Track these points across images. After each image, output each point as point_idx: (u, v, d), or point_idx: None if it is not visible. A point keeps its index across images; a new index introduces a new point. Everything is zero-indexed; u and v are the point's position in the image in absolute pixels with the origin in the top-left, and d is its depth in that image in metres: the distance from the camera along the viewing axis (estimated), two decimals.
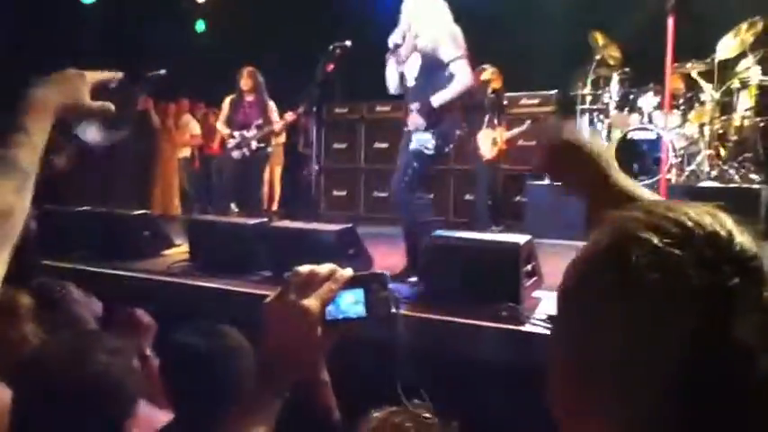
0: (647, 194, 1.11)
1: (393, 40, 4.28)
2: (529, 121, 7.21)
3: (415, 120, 4.11)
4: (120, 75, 1.19)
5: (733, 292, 0.53)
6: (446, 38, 4.09)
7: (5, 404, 1.43)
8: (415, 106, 4.13)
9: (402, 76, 4.28)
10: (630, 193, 1.10)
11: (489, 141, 6.71)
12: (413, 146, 4.09)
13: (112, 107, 1.14)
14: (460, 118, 4.55)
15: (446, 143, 4.19)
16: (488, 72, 6.88)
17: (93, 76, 1.12)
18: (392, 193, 4.31)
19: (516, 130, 7.08)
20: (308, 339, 0.88)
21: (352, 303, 0.93)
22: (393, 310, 0.94)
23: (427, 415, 1.42)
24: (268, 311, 0.90)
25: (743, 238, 0.57)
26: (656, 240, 0.56)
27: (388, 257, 4.28)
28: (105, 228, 4.99)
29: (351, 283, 0.92)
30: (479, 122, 6.68)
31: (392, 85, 4.38)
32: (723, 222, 0.58)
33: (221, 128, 6.82)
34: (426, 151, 4.06)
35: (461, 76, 4.07)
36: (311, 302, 0.88)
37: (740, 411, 0.53)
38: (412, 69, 4.22)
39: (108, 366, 1.44)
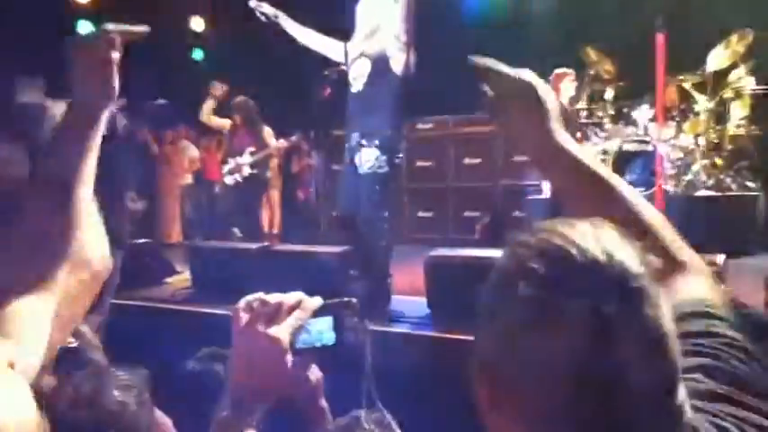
0: (587, 160, 1.01)
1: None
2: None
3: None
4: (145, 28, 1.14)
5: (610, 316, 0.58)
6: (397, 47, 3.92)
7: None
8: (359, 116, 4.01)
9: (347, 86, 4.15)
10: (571, 155, 1.01)
11: None
12: (363, 169, 3.89)
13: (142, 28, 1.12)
14: (401, 121, 4.28)
15: (395, 154, 3.98)
16: (570, 77, 6.32)
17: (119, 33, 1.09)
18: (348, 216, 4.07)
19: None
20: (277, 368, 0.89)
21: (321, 331, 0.93)
22: (362, 337, 0.95)
23: (366, 426, 1.41)
24: (237, 341, 0.90)
25: (624, 258, 0.61)
26: (542, 271, 0.61)
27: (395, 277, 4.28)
28: None
29: (320, 311, 0.93)
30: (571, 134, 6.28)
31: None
32: (605, 245, 0.61)
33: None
34: (380, 170, 3.86)
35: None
36: (279, 332, 0.89)
37: (625, 418, 0.58)
38: (359, 75, 4.07)
39: (123, 403, 1.47)
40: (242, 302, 0.91)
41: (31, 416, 0.69)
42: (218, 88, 6.50)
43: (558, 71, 6.47)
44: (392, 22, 3.96)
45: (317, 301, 0.93)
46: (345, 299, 0.96)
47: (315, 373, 2.03)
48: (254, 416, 0.89)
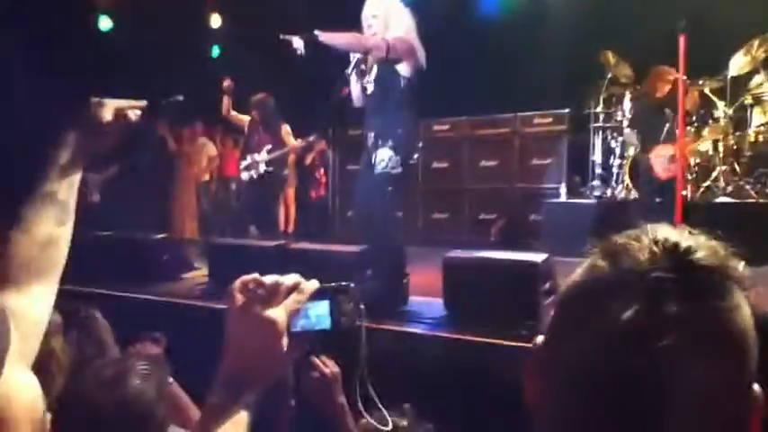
0: None
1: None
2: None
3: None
4: (142, 103, 1.23)
5: (665, 282, 0.57)
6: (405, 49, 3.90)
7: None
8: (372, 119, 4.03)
9: (364, 90, 4.15)
10: None
11: (667, 158, 5.65)
12: (377, 169, 3.90)
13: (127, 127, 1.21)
14: (416, 122, 4.29)
15: (410, 154, 4.01)
16: (672, 74, 5.82)
17: (114, 105, 1.18)
18: (363, 216, 4.10)
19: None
20: (272, 351, 0.86)
21: (318, 315, 0.91)
22: (358, 323, 0.93)
23: (381, 427, 1.41)
24: (231, 322, 0.87)
25: (706, 254, 0.60)
26: (621, 240, 0.61)
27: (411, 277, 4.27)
28: (126, 252, 5.06)
29: (317, 295, 0.91)
30: (656, 134, 5.79)
31: (355, 98, 4.27)
32: (690, 239, 0.61)
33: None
34: (393, 171, 3.87)
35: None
36: (277, 314, 0.86)
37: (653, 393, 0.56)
38: (371, 81, 4.10)
39: (142, 391, 1.50)
40: (237, 283, 0.88)
41: (39, 414, 0.78)
42: (227, 83, 6.57)
43: (663, 66, 5.99)
44: (396, 23, 3.95)
45: (314, 285, 0.91)
46: (343, 283, 0.94)
47: (332, 368, 2.03)
48: (247, 400, 0.86)
